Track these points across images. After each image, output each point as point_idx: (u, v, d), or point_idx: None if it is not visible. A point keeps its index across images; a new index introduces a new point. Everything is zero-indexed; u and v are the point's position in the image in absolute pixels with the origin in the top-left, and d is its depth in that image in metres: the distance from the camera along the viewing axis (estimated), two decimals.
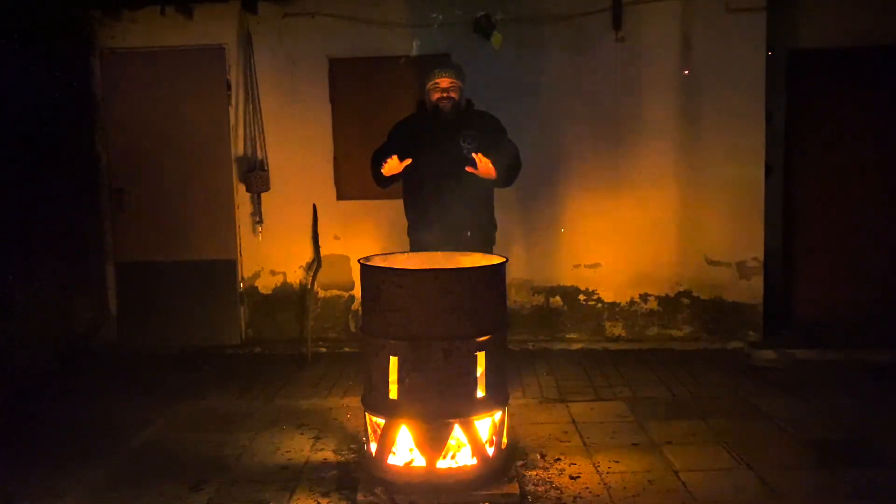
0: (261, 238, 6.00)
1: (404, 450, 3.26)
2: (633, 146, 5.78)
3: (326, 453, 3.79)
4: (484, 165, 3.93)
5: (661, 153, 5.78)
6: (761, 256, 5.79)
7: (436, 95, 4.14)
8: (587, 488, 3.32)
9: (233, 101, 5.95)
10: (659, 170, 5.79)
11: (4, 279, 4.87)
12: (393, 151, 3.99)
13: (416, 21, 5.69)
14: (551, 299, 5.95)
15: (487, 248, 4.11)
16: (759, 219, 5.75)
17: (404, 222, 4.36)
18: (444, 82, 4.12)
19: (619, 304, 5.92)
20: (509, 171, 4.15)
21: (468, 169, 3.94)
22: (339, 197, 5.96)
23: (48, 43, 5.42)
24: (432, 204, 4.08)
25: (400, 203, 4.43)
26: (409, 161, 3.99)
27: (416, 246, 4.16)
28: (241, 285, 6.06)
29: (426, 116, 4.22)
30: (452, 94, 4.13)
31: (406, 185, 4.28)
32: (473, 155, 3.91)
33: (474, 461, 3.22)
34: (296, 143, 5.94)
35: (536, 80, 5.76)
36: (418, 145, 4.09)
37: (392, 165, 3.98)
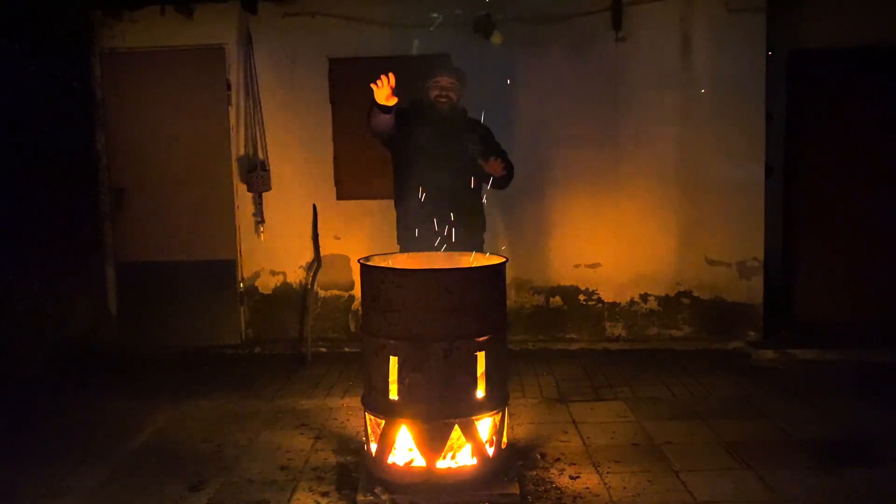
0: (262, 238, 6.00)
1: (404, 450, 3.25)
2: (632, 146, 5.78)
3: (326, 453, 3.79)
4: (495, 162, 4.03)
5: (661, 153, 5.78)
6: (761, 256, 5.79)
7: (434, 93, 4.17)
8: (587, 488, 3.32)
9: (233, 101, 5.95)
10: (659, 170, 5.79)
11: (4, 279, 4.87)
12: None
13: (417, 21, 5.68)
14: (551, 299, 5.95)
15: (477, 249, 4.09)
16: (759, 219, 5.76)
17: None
18: (445, 81, 4.16)
19: (619, 304, 5.92)
20: (509, 173, 4.25)
21: (480, 161, 4.05)
22: (339, 197, 5.97)
23: (48, 43, 5.42)
24: (425, 202, 4.07)
25: None
26: (396, 100, 3.83)
27: (404, 242, 4.18)
28: (241, 285, 6.06)
29: (422, 111, 4.24)
30: (451, 95, 4.16)
31: (397, 181, 4.31)
32: (491, 160, 4.05)
33: (474, 461, 3.21)
34: (296, 143, 5.94)
35: (536, 79, 5.76)
36: (412, 137, 4.14)
37: (386, 93, 3.81)
